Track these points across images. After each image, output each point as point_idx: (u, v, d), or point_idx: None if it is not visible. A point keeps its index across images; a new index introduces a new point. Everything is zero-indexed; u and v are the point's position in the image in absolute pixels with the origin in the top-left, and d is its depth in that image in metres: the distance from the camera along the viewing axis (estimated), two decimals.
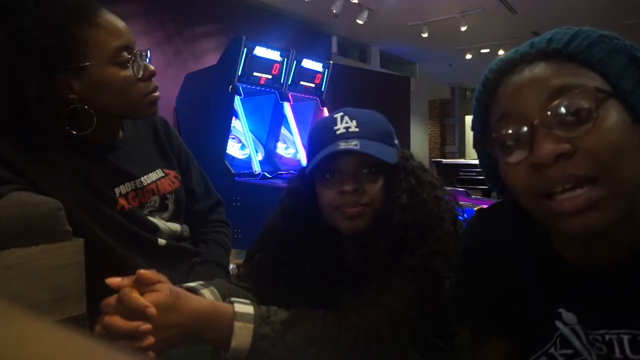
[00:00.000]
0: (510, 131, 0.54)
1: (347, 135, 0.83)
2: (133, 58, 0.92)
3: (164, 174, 1.07)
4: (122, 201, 0.95)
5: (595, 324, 0.58)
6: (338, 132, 0.83)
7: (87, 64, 0.87)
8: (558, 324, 0.61)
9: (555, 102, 0.51)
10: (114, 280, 0.62)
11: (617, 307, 0.57)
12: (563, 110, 0.51)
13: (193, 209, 1.16)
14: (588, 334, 0.59)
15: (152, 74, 0.95)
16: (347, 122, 0.84)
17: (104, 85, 0.90)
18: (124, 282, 0.62)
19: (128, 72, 0.91)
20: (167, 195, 1.06)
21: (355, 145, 0.80)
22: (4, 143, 0.84)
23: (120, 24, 0.92)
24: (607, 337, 0.57)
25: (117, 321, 0.59)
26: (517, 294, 0.64)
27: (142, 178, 1.01)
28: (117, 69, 0.90)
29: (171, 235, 1.05)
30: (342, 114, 0.86)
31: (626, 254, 0.56)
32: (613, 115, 0.51)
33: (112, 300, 0.61)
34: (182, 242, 1.08)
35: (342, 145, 0.80)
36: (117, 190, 0.96)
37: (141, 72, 0.93)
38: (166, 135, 1.14)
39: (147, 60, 0.96)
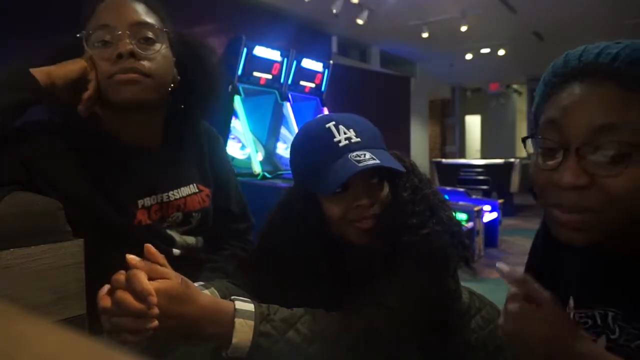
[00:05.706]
0: (548, 142, 0.57)
1: (352, 147, 0.78)
2: (105, 37, 0.89)
3: (197, 190, 1.03)
4: (140, 215, 0.92)
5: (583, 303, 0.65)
6: (341, 144, 0.78)
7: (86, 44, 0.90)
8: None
9: (595, 140, 0.52)
10: (133, 258, 0.62)
11: (601, 286, 0.62)
12: (599, 151, 0.52)
13: (230, 227, 1.14)
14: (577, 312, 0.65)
15: (119, 54, 0.87)
16: (345, 132, 0.79)
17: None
18: (141, 263, 0.62)
19: (96, 53, 0.90)
20: (193, 214, 1.02)
21: (372, 158, 0.76)
22: (25, 145, 0.84)
23: (106, 3, 0.91)
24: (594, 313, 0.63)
25: (129, 299, 0.59)
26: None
27: (169, 192, 0.97)
28: (93, 51, 0.90)
29: (185, 247, 1.01)
30: (334, 122, 0.81)
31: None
32: None
33: (121, 276, 0.61)
34: (195, 253, 1.05)
35: (356, 158, 0.76)
36: (140, 202, 0.93)
37: (107, 53, 0.88)
38: (211, 151, 1.10)
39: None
